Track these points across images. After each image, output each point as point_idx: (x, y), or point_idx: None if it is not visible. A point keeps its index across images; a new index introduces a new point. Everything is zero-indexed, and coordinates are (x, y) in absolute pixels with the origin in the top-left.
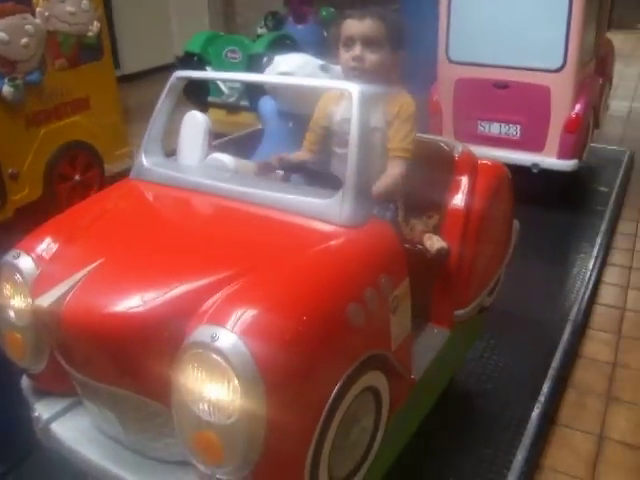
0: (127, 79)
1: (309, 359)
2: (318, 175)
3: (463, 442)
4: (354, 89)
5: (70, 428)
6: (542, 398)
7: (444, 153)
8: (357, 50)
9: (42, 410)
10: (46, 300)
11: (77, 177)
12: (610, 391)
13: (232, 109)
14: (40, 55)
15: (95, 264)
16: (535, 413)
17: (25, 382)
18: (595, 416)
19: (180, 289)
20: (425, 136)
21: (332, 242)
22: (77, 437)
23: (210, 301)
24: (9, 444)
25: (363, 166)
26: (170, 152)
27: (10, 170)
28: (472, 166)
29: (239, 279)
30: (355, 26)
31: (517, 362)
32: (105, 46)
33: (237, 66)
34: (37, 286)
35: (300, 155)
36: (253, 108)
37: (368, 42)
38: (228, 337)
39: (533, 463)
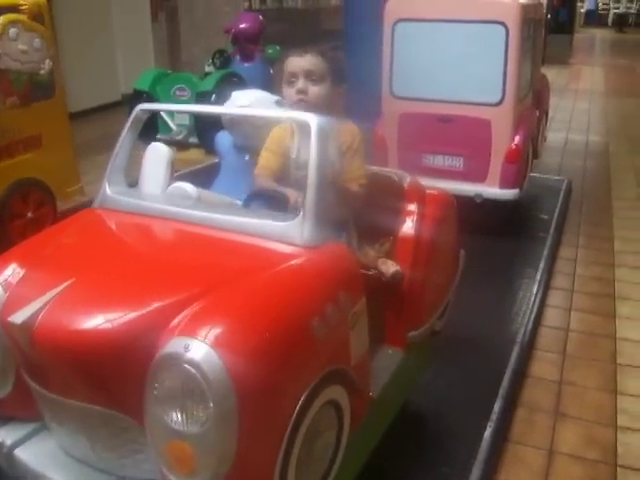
0: (74, 117)
1: (278, 369)
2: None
3: (421, 460)
4: (312, 120)
5: (36, 452)
6: (494, 416)
7: (394, 183)
8: (300, 83)
9: (5, 436)
10: (19, 317)
11: (30, 214)
12: (558, 408)
13: (181, 146)
14: None
15: (66, 284)
16: (488, 431)
17: None
18: (545, 432)
19: (150, 306)
20: (376, 168)
21: (294, 261)
22: (43, 461)
23: (179, 317)
24: None
25: (322, 191)
26: (130, 184)
27: None
28: (420, 195)
29: (207, 296)
30: (297, 62)
31: (468, 383)
32: (57, 84)
33: (186, 104)
34: (7, 306)
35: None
36: (202, 144)
37: (310, 75)
38: (200, 348)
39: (488, 479)
